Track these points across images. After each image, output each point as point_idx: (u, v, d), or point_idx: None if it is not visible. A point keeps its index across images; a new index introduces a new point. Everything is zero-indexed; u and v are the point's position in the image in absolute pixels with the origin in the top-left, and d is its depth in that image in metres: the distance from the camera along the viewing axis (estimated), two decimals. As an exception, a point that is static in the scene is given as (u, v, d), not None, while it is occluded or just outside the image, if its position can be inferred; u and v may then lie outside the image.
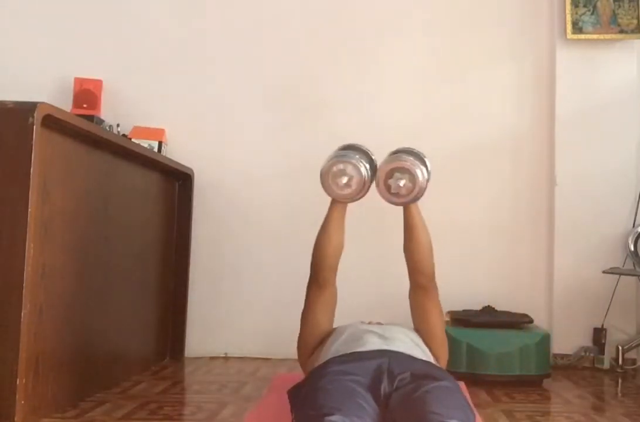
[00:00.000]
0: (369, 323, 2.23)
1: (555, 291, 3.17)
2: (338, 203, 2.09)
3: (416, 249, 2.07)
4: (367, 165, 2.01)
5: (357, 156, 2.04)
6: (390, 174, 1.99)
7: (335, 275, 2.11)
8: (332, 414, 1.46)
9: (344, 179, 1.99)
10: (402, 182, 1.97)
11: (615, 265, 3.08)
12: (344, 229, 2.12)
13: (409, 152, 2.14)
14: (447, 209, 3.25)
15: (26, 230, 1.86)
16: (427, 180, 2.04)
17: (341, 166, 2.00)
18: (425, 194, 3.37)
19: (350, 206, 3.26)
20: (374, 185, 2.05)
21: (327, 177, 2.02)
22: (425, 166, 2.09)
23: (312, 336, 2.11)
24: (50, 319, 2.03)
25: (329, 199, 3.28)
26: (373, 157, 2.12)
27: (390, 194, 2.01)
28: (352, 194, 2.04)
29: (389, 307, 3.02)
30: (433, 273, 2.08)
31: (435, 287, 2.10)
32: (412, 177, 1.98)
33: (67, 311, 2.17)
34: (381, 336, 1.91)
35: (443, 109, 3.33)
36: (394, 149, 2.19)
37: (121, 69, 3.37)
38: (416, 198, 2.01)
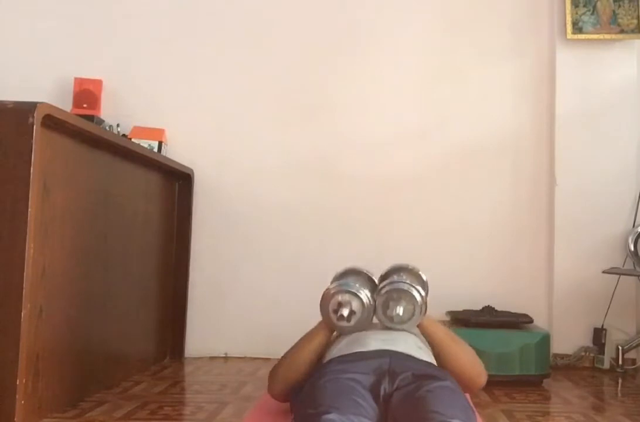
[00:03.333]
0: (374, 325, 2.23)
1: (555, 291, 3.17)
2: (328, 329, 1.98)
3: (454, 365, 1.93)
4: (371, 299, 1.93)
5: (362, 286, 1.96)
6: (387, 305, 1.93)
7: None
8: (329, 413, 1.46)
9: (345, 312, 1.91)
10: (400, 310, 1.91)
11: (615, 265, 3.08)
12: (320, 353, 1.97)
13: (399, 270, 2.10)
14: (447, 209, 3.26)
15: (26, 230, 1.86)
16: (426, 294, 1.96)
17: (346, 298, 1.93)
18: (426, 194, 3.39)
19: (351, 205, 3.29)
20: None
21: (326, 305, 1.94)
22: (420, 279, 2.05)
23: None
24: (50, 319, 2.03)
25: (329, 200, 3.32)
26: (376, 283, 2.04)
27: (394, 324, 1.94)
28: (349, 327, 1.95)
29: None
30: (482, 381, 1.97)
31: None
32: (410, 301, 1.91)
33: (67, 311, 2.17)
34: (383, 339, 1.90)
35: (443, 109, 3.33)
36: (387, 266, 2.14)
37: (121, 69, 3.37)
38: (420, 319, 1.94)
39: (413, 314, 1.93)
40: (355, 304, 1.93)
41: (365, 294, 1.93)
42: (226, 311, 3.26)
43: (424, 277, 2.11)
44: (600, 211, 3.16)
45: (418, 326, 1.97)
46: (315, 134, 3.33)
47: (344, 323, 1.94)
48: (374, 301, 1.94)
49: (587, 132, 3.21)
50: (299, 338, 2.12)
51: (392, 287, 1.94)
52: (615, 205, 3.16)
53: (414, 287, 1.93)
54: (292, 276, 3.24)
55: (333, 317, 1.94)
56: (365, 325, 1.96)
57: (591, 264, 3.09)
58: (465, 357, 1.98)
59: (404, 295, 1.92)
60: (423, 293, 1.93)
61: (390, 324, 1.96)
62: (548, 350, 2.82)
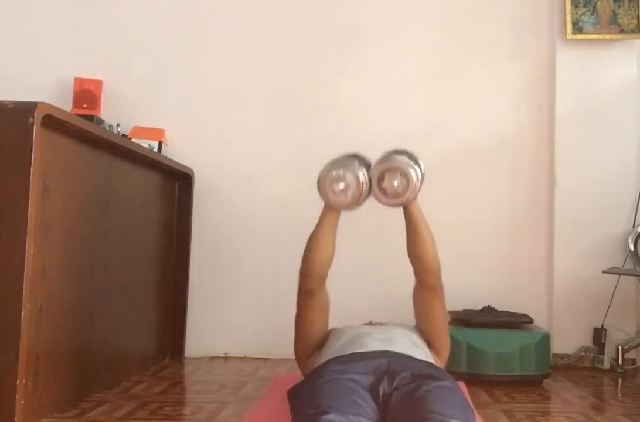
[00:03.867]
0: (371, 322, 2.23)
1: (555, 291, 3.17)
2: (332, 210, 2.04)
3: (421, 248, 2.03)
4: (366, 175, 1.96)
5: (357, 164, 1.99)
6: (382, 176, 1.94)
7: (324, 282, 2.07)
8: (328, 413, 1.46)
9: (341, 186, 1.95)
10: (395, 182, 1.93)
11: (615, 265, 3.08)
12: (335, 236, 2.06)
13: (400, 152, 2.10)
14: (447, 209, 3.25)
15: (26, 230, 1.86)
16: (422, 178, 1.99)
17: (340, 172, 1.96)
18: (426, 193, 3.39)
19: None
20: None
21: (324, 182, 1.97)
22: (418, 165, 2.05)
23: (308, 340, 2.10)
24: (50, 319, 2.03)
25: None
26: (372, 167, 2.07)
27: (386, 197, 1.96)
28: (347, 202, 1.99)
29: (389, 307, 3.02)
30: (439, 271, 2.05)
31: (441, 286, 2.07)
32: (405, 175, 1.93)
33: (67, 311, 2.17)
34: (381, 339, 1.91)
35: (443, 109, 3.33)
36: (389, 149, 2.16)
37: (121, 69, 3.37)
38: (412, 196, 1.96)
39: (407, 188, 1.93)
40: (349, 178, 1.95)
41: (360, 169, 1.96)
42: (226, 311, 3.26)
43: (422, 164, 2.09)
44: (600, 210, 3.16)
45: (405, 206, 2.00)
46: (315, 133, 3.33)
47: (341, 197, 1.96)
48: (369, 176, 1.95)
49: (587, 132, 3.21)
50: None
51: (389, 160, 1.97)
52: (615, 206, 3.17)
53: (410, 164, 1.94)
54: (292, 275, 3.22)
55: (330, 193, 1.96)
56: (362, 200, 2.00)
57: (591, 264, 3.09)
58: (431, 243, 2.04)
59: (400, 169, 1.94)
60: (419, 172, 1.95)
61: (382, 198, 1.97)
62: (548, 350, 2.82)
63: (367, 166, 2.01)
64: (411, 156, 2.08)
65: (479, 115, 3.32)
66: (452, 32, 3.36)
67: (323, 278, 2.06)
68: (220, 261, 3.30)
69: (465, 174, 3.29)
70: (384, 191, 1.95)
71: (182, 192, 3.28)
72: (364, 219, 3.26)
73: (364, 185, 1.95)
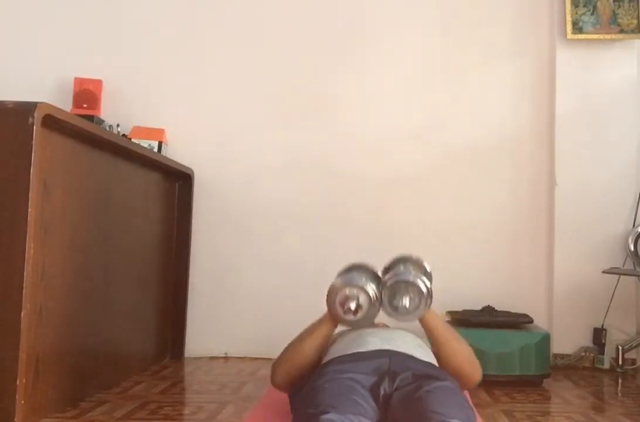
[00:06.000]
0: (375, 325, 2.23)
1: (555, 291, 3.17)
2: (332, 324, 1.97)
3: (453, 360, 1.94)
4: (377, 294, 1.91)
5: (365, 280, 1.93)
6: (393, 296, 1.90)
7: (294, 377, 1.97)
8: (327, 412, 1.46)
9: (352, 305, 1.89)
10: (407, 301, 1.89)
11: (615, 265, 3.08)
12: (324, 347, 1.98)
13: (404, 260, 2.07)
14: (447, 209, 3.26)
15: (26, 230, 1.86)
16: (431, 287, 1.93)
17: (354, 292, 1.91)
18: (426, 193, 3.39)
19: (351, 206, 3.29)
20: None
21: (334, 299, 1.92)
22: (426, 273, 2.03)
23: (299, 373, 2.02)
24: (50, 319, 2.03)
25: (329, 200, 3.32)
26: (380, 277, 2.02)
27: (400, 314, 1.92)
28: (355, 320, 1.94)
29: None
30: (479, 376, 1.97)
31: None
32: (416, 292, 1.89)
33: (67, 311, 2.17)
34: (382, 338, 1.90)
35: (443, 108, 3.34)
36: (391, 257, 2.11)
37: (121, 69, 3.37)
38: (426, 308, 1.91)
39: (418, 306, 1.91)
40: (362, 298, 1.91)
41: (371, 288, 1.92)
42: (226, 310, 3.26)
43: (428, 268, 2.09)
44: (600, 211, 3.16)
45: (420, 319, 1.95)
46: (315, 133, 3.33)
47: (350, 317, 1.92)
48: (380, 293, 1.93)
49: (587, 132, 3.21)
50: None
51: (398, 278, 1.93)
52: (615, 206, 3.16)
53: (419, 278, 1.92)
54: (292, 276, 3.24)
55: (340, 311, 1.93)
56: (371, 319, 1.95)
57: (591, 264, 3.09)
58: (463, 353, 1.97)
59: (411, 286, 1.90)
60: (429, 284, 1.92)
61: (394, 315, 1.93)
62: (548, 350, 2.82)
63: (376, 280, 1.97)
64: (416, 262, 2.05)
65: (479, 115, 3.32)
66: (452, 31, 3.36)
67: (298, 376, 1.95)
68: (220, 260, 3.30)
69: (465, 174, 3.29)
70: (395, 309, 1.91)
71: (182, 192, 3.28)
72: (365, 218, 3.27)
73: (376, 304, 1.91)
